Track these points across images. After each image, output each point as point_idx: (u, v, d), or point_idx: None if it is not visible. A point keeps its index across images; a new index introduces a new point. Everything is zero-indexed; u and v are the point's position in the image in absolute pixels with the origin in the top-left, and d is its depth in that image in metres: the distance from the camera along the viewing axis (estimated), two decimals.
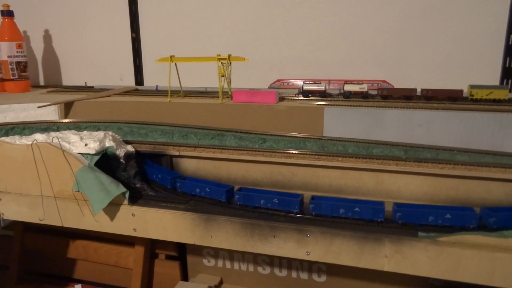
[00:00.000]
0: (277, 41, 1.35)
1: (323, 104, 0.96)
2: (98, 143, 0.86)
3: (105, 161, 0.87)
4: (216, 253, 1.09)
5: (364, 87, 1.02)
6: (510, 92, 0.95)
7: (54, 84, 1.65)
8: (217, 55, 1.01)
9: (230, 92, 1.06)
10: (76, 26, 1.59)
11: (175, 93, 1.12)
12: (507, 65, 1.15)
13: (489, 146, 0.83)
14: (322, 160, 0.83)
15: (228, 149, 0.91)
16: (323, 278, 1.01)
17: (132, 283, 1.18)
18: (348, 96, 1.02)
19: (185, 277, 1.17)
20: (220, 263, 1.10)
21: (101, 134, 0.90)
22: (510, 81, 1.15)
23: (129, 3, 1.48)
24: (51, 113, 1.12)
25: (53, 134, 0.92)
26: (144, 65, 1.54)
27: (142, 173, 0.92)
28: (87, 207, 0.85)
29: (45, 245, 1.31)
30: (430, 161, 0.79)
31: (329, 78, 1.27)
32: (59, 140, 0.85)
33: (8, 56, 1.39)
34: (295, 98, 1.04)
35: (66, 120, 1.08)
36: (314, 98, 1.03)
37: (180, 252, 1.17)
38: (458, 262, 0.65)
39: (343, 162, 0.82)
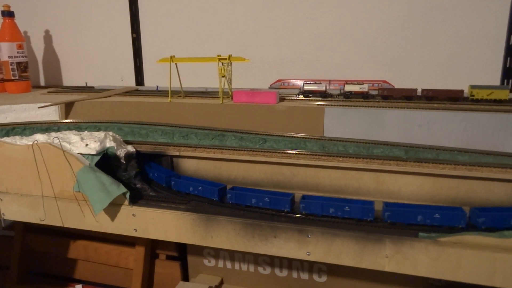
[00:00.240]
0: (278, 41, 1.35)
1: (324, 104, 0.96)
2: (98, 143, 0.86)
3: (106, 162, 0.87)
4: (216, 253, 1.09)
5: (364, 87, 1.02)
6: (510, 92, 0.95)
7: (54, 85, 1.65)
8: (218, 56, 1.02)
9: (230, 93, 1.06)
10: (76, 27, 1.59)
11: (175, 93, 1.13)
12: (507, 65, 1.15)
13: (490, 146, 0.83)
14: (323, 160, 0.83)
15: (229, 149, 0.91)
16: (323, 279, 1.01)
17: (132, 283, 1.18)
18: (348, 96, 1.02)
19: (185, 277, 1.17)
20: (220, 263, 1.10)
21: (101, 134, 0.91)
22: (510, 81, 1.15)
23: (130, 3, 1.48)
24: (51, 114, 1.12)
25: (53, 134, 0.92)
26: (144, 65, 1.54)
27: (143, 173, 0.92)
28: (87, 207, 0.85)
29: (45, 245, 1.31)
30: (430, 161, 0.79)
31: (329, 78, 1.27)
32: (60, 140, 0.85)
33: (9, 57, 1.39)
34: (295, 98, 1.04)
35: (67, 121, 1.09)
36: (315, 98, 1.03)
37: (181, 252, 1.17)
38: (459, 263, 0.65)
39: (343, 162, 0.82)
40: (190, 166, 0.95)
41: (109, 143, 0.88)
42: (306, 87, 1.05)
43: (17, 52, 1.41)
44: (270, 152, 0.88)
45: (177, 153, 0.93)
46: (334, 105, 0.95)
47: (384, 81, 1.19)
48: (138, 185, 0.89)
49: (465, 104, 0.92)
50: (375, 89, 1.07)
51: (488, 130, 0.83)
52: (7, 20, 1.39)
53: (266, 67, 1.37)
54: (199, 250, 1.11)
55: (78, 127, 1.05)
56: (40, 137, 0.89)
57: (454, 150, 0.83)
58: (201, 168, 0.94)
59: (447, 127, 0.85)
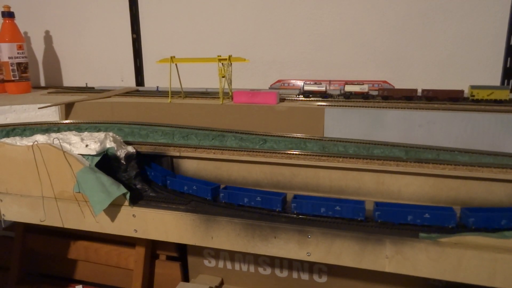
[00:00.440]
0: (278, 41, 1.35)
1: (324, 105, 0.96)
2: (98, 144, 0.86)
3: (106, 162, 0.87)
4: (216, 253, 1.09)
5: (364, 88, 1.02)
6: (511, 92, 0.95)
7: (54, 85, 1.65)
8: (218, 56, 1.02)
9: (230, 93, 1.06)
10: (76, 27, 1.59)
11: (175, 94, 1.13)
12: (507, 66, 1.15)
13: (490, 146, 0.83)
14: (323, 160, 0.83)
15: (229, 150, 0.91)
16: (324, 279, 1.01)
17: (133, 284, 1.18)
18: (348, 96, 1.02)
19: (185, 278, 1.17)
20: (221, 264, 1.10)
21: (101, 135, 0.91)
22: (511, 81, 1.15)
23: (130, 4, 1.48)
24: (51, 114, 1.12)
25: (53, 135, 0.92)
26: (144, 66, 1.54)
27: (142, 174, 0.93)
28: (87, 208, 0.85)
29: (46, 246, 1.31)
30: (431, 161, 0.79)
31: (329, 79, 1.27)
32: (60, 141, 0.85)
33: (9, 57, 1.39)
34: (295, 98, 1.04)
35: (67, 121, 1.09)
36: (315, 98, 1.03)
37: (181, 253, 1.17)
38: (459, 263, 0.64)
39: (343, 162, 0.82)
40: (190, 166, 0.95)
41: (109, 144, 0.88)
42: (306, 88, 1.05)
43: (17, 53, 1.41)
44: (270, 152, 0.88)
45: (177, 154, 0.93)
46: (334, 106, 0.95)
47: (384, 82, 1.18)
48: (138, 186, 0.89)
49: (465, 105, 0.92)
50: (375, 90, 1.07)
51: (488, 130, 0.83)
52: (7, 21, 1.39)
53: (266, 68, 1.37)
54: (199, 251, 1.11)
55: (78, 127, 1.05)
56: (40, 138, 0.89)
57: (454, 150, 0.83)
58: (201, 169, 0.94)
59: (447, 128, 0.85)
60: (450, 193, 0.78)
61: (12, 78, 1.41)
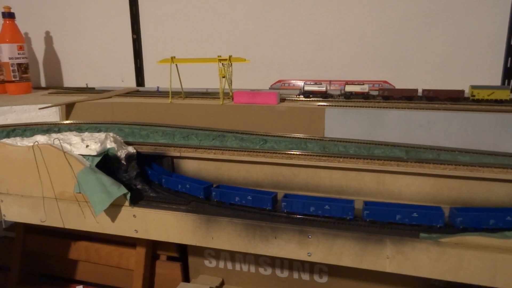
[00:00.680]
0: (278, 41, 1.35)
1: (324, 105, 0.96)
2: (99, 144, 0.86)
3: (106, 163, 0.87)
4: (217, 254, 1.09)
5: (365, 88, 1.02)
6: (511, 92, 0.95)
7: (55, 86, 1.65)
8: (218, 56, 1.02)
9: (231, 93, 1.06)
10: (77, 28, 1.59)
11: (176, 94, 1.12)
12: (508, 65, 1.15)
13: (491, 146, 0.82)
14: (323, 161, 0.83)
15: (229, 150, 0.91)
16: (324, 279, 1.01)
17: (133, 284, 1.18)
18: (349, 96, 1.02)
19: (186, 278, 1.17)
20: (221, 264, 1.10)
21: (102, 135, 0.91)
22: (511, 81, 1.15)
23: (130, 4, 1.48)
24: (52, 115, 1.12)
25: (54, 135, 0.92)
26: (145, 66, 1.54)
27: (143, 174, 0.93)
28: (88, 208, 0.85)
29: (46, 247, 1.31)
30: (431, 161, 0.79)
31: (330, 79, 1.27)
32: (60, 141, 0.86)
33: (10, 58, 1.39)
34: (296, 99, 1.04)
35: (67, 122, 1.09)
36: (315, 99, 1.03)
37: (182, 253, 1.17)
38: (460, 263, 0.64)
39: (344, 163, 0.82)
40: (191, 167, 0.95)
41: (110, 144, 0.88)
42: (307, 88, 1.05)
43: (18, 53, 1.41)
44: (271, 152, 0.88)
45: (178, 154, 0.93)
46: (335, 106, 0.95)
47: (385, 82, 1.18)
48: (139, 186, 0.89)
49: (466, 105, 0.92)
50: (376, 90, 1.07)
51: (489, 130, 0.83)
52: (7, 22, 1.39)
53: (266, 68, 1.37)
54: (200, 251, 1.11)
55: (78, 128, 1.05)
56: (40, 138, 0.89)
57: (455, 150, 0.82)
58: (202, 169, 0.94)
59: (448, 128, 0.85)
60: (451, 193, 0.78)
61: (13, 79, 1.41)
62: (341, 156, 0.84)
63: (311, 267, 1.01)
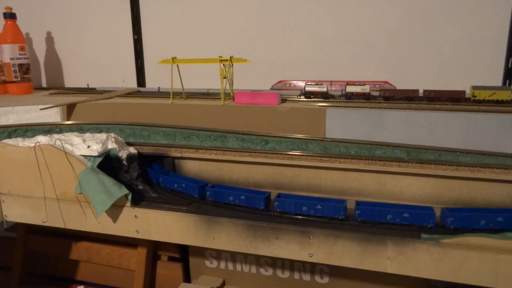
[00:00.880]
0: (279, 42, 1.35)
1: (325, 106, 0.96)
2: (100, 145, 0.86)
3: (108, 163, 0.87)
4: (218, 254, 1.09)
5: (366, 88, 1.02)
6: None
7: (56, 86, 1.66)
8: (219, 57, 1.02)
9: (232, 94, 1.06)
10: (78, 28, 1.59)
11: (177, 94, 1.13)
12: (509, 66, 1.14)
13: (492, 147, 0.82)
14: (324, 161, 0.83)
15: (230, 150, 0.91)
16: (325, 280, 1.01)
17: (134, 285, 1.18)
18: (350, 97, 1.02)
19: (187, 279, 1.17)
20: (222, 265, 1.10)
21: (103, 136, 0.91)
22: None
23: (131, 5, 1.48)
24: (53, 115, 1.12)
25: (55, 136, 0.92)
26: (146, 66, 1.54)
27: (144, 174, 0.93)
28: (89, 209, 0.85)
29: (48, 247, 1.31)
30: (432, 162, 0.79)
31: (331, 79, 1.27)
32: (62, 142, 0.86)
33: (11, 58, 1.40)
34: (297, 99, 1.04)
35: (69, 122, 1.09)
36: (316, 99, 1.03)
37: (183, 254, 1.17)
38: (461, 264, 0.64)
39: (345, 163, 0.82)
40: (192, 167, 0.95)
41: (111, 145, 0.88)
42: (308, 88, 1.05)
43: (19, 54, 1.41)
44: (272, 153, 0.88)
45: (179, 155, 0.93)
46: (336, 106, 0.95)
47: (386, 82, 1.18)
48: (140, 187, 0.89)
49: (467, 105, 0.92)
50: (377, 90, 1.07)
51: (490, 131, 0.83)
52: (9, 22, 1.39)
53: (267, 68, 1.38)
54: (201, 252, 1.11)
55: (80, 128, 1.05)
56: (42, 139, 0.89)
57: (456, 151, 0.82)
58: (203, 170, 0.94)
59: (449, 128, 0.85)
60: (452, 194, 0.78)
61: (14, 79, 1.41)
62: (342, 157, 0.83)
63: (312, 268, 1.01)
